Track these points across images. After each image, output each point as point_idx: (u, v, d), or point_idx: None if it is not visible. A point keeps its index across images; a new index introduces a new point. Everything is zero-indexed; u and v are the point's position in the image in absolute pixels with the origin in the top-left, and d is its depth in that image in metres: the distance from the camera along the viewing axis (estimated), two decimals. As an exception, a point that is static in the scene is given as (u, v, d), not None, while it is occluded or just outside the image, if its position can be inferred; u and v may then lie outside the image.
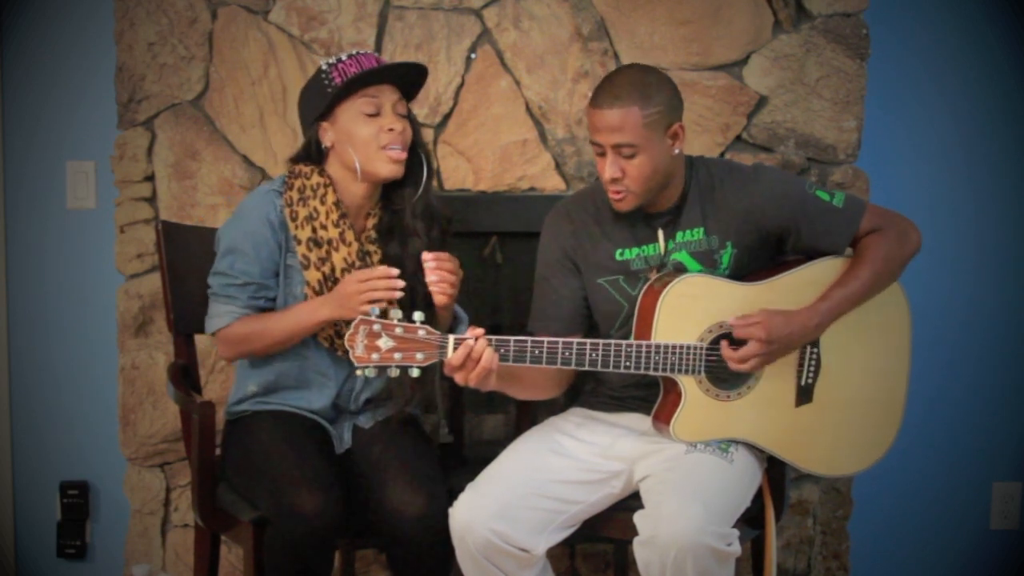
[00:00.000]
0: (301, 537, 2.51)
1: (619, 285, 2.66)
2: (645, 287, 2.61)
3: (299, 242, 2.70)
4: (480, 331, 2.43)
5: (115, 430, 3.26)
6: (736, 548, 2.43)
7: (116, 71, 3.18)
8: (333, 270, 2.71)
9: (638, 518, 2.47)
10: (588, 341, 2.51)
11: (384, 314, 2.41)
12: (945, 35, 3.58)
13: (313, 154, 2.75)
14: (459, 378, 2.44)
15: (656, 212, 2.64)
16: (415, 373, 2.41)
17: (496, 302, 3.38)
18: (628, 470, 2.64)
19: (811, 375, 2.64)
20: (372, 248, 2.77)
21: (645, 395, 2.67)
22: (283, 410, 2.77)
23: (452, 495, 2.57)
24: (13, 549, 3.48)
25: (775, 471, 2.71)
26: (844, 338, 2.63)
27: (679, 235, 2.64)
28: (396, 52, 3.20)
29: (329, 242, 2.71)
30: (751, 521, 2.66)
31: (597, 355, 2.51)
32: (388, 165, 2.70)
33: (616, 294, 2.66)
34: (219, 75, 3.20)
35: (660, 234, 2.64)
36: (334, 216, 2.71)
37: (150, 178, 3.21)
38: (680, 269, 2.62)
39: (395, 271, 2.60)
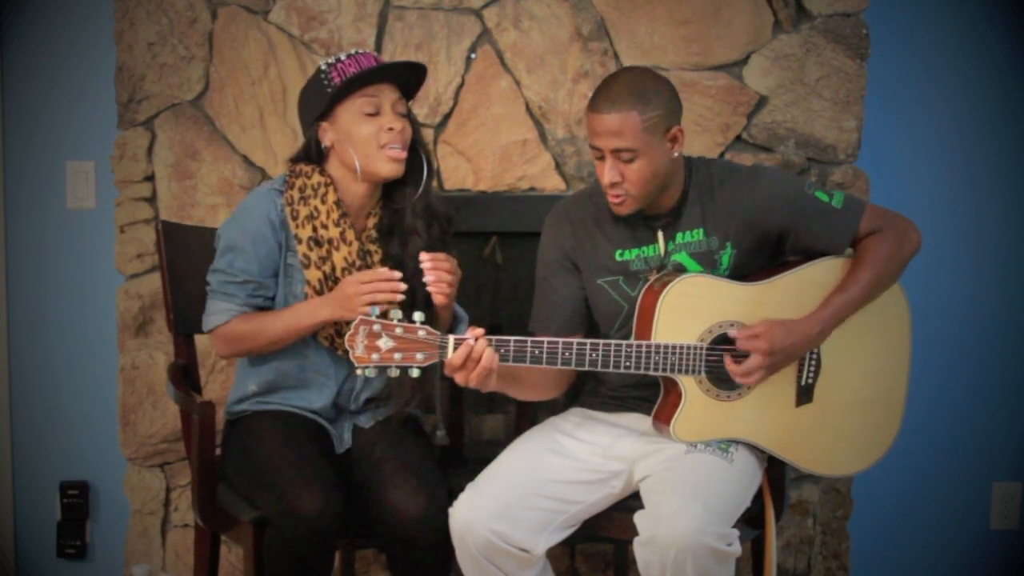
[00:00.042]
0: (301, 537, 2.51)
1: (619, 286, 2.65)
2: (645, 287, 2.61)
3: (300, 241, 2.71)
4: (480, 331, 2.43)
5: (115, 430, 3.26)
6: (736, 548, 2.43)
7: (116, 71, 3.18)
8: (334, 269, 2.71)
9: (638, 518, 2.47)
10: (588, 341, 2.51)
11: (384, 314, 2.40)
12: (945, 35, 3.58)
13: (313, 154, 2.75)
14: (459, 378, 2.44)
15: (656, 213, 2.64)
16: (415, 373, 2.41)
17: (496, 302, 3.38)
18: (628, 470, 2.64)
19: (811, 375, 2.64)
20: (373, 247, 2.77)
21: (645, 395, 2.67)
22: (283, 410, 2.77)
23: (452, 495, 2.57)
24: (13, 549, 3.48)
25: (775, 471, 2.71)
26: (844, 338, 2.63)
27: (679, 236, 2.64)
28: (396, 52, 3.20)
29: (330, 241, 2.71)
30: (751, 521, 2.66)
31: (597, 355, 2.51)
32: (388, 164, 2.70)
33: (616, 295, 2.65)
34: (219, 75, 3.20)
35: (660, 235, 2.64)
36: (335, 215, 2.71)
37: (150, 178, 3.21)
38: (680, 270, 2.62)
39: (398, 274, 2.60)
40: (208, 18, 3.18)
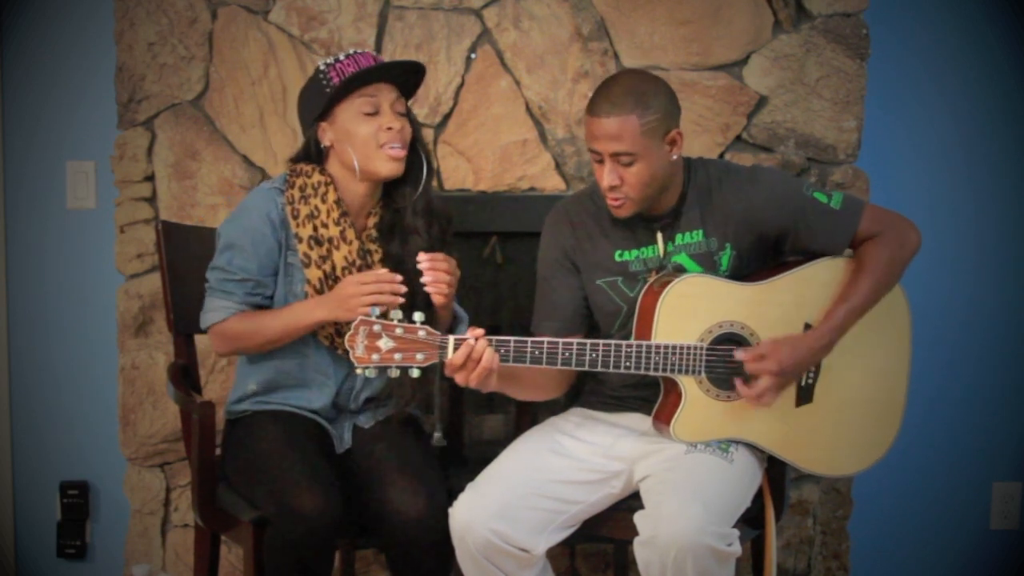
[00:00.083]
0: (301, 537, 2.51)
1: (618, 287, 2.65)
2: (645, 287, 2.61)
3: (300, 240, 2.71)
4: (480, 331, 2.43)
5: (115, 430, 3.26)
6: (736, 548, 2.43)
7: (116, 71, 3.18)
8: (334, 268, 2.71)
9: (638, 518, 2.47)
10: (588, 341, 2.51)
11: (384, 314, 2.41)
12: (945, 35, 3.58)
13: (313, 154, 2.75)
14: (460, 378, 2.44)
15: (655, 215, 2.64)
16: (415, 373, 2.41)
17: (496, 302, 3.38)
18: (628, 470, 2.64)
19: (811, 375, 2.64)
20: (373, 247, 2.77)
21: (645, 395, 2.67)
22: (283, 410, 2.77)
23: (452, 495, 2.57)
24: (13, 549, 3.48)
25: (775, 471, 2.71)
26: (844, 339, 2.62)
27: (678, 237, 2.64)
28: (396, 52, 3.20)
29: (330, 240, 2.71)
30: (751, 521, 2.66)
31: (597, 355, 2.51)
32: (387, 163, 2.70)
33: (615, 295, 2.65)
34: (219, 75, 3.20)
35: (659, 237, 2.64)
36: (335, 214, 2.71)
37: (150, 178, 3.21)
38: (680, 270, 2.62)
39: (398, 277, 2.60)
40: (208, 18, 3.18)
